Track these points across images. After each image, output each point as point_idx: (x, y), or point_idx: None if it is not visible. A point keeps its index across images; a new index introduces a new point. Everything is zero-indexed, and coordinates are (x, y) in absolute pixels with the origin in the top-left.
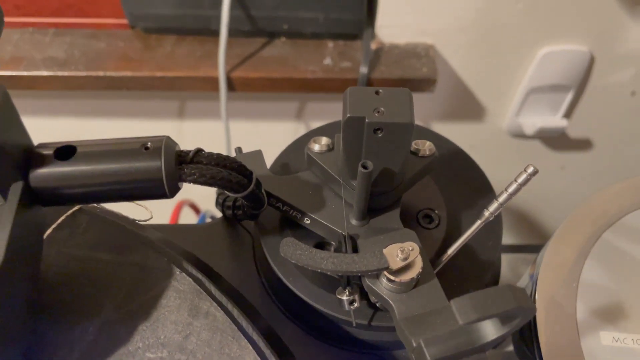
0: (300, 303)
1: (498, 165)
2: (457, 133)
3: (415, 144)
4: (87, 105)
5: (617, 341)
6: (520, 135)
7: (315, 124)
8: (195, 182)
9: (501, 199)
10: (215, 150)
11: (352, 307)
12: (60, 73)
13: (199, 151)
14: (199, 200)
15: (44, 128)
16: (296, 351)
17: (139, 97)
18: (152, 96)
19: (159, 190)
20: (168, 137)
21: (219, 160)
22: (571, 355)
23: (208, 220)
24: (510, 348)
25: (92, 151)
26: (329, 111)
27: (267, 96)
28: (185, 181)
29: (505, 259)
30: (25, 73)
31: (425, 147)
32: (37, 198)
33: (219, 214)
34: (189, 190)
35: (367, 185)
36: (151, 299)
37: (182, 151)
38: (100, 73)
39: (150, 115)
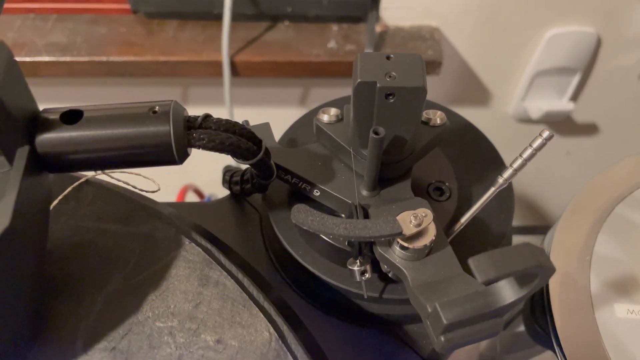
0: (309, 277)
1: (504, 151)
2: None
3: (427, 114)
4: (90, 93)
5: (631, 313)
6: (526, 119)
7: None
8: (204, 147)
9: (516, 164)
10: None
11: (363, 277)
12: (62, 58)
13: (207, 116)
14: (203, 185)
15: None
16: (306, 325)
17: (142, 84)
18: (155, 82)
19: (167, 155)
20: (176, 102)
21: (228, 126)
22: (586, 329)
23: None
24: (521, 328)
25: (99, 115)
26: (333, 96)
27: (271, 82)
28: (194, 146)
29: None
30: (27, 59)
31: (437, 116)
32: (43, 163)
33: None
34: (193, 175)
35: (378, 152)
36: (160, 269)
37: (190, 116)
38: (103, 58)
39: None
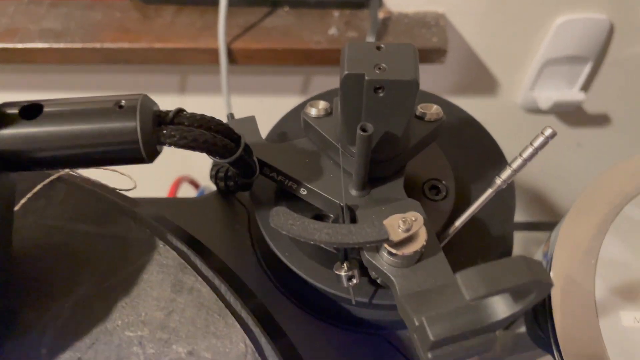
0: (296, 279)
1: (511, 142)
2: (469, 107)
3: (421, 108)
4: (85, 80)
5: (638, 322)
6: (535, 110)
7: None
8: (175, 145)
9: (515, 164)
10: None
11: (350, 283)
12: (55, 45)
13: (180, 111)
14: (199, 176)
15: None
16: (293, 330)
17: (138, 71)
18: (152, 70)
19: (135, 153)
20: (145, 95)
21: (203, 122)
22: (588, 337)
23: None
24: (523, 329)
25: (60, 110)
26: (335, 85)
27: (271, 70)
28: (164, 144)
29: (518, 238)
30: (19, 45)
31: (432, 111)
32: (3, 162)
33: None
34: (189, 166)
35: (366, 150)
36: (132, 273)
37: (161, 111)
38: (97, 45)
39: (150, 90)
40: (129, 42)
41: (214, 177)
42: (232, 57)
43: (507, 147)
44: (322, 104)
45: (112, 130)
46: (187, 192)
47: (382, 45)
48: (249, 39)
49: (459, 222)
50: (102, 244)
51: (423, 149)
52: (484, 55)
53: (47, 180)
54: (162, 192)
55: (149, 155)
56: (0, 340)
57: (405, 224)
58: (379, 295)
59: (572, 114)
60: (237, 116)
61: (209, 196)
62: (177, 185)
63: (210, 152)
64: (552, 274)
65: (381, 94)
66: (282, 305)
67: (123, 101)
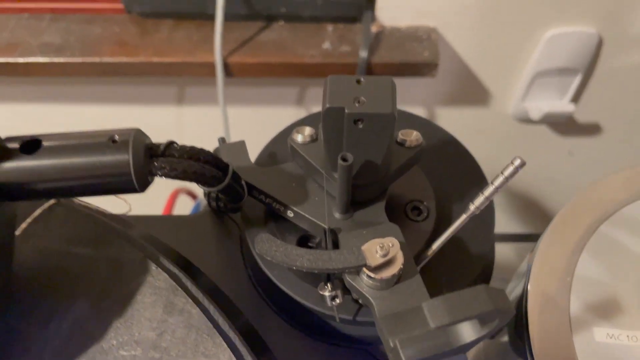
0: (285, 297)
1: (503, 151)
2: (461, 118)
3: (402, 134)
4: (85, 92)
5: (611, 337)
6: (526, 120)
7: (317, 109)
8: (166, 176)
9: (487, 192)
10: (214, 137)
11: (334, 302)
12: (56, 59)
13: (170, 144)
14: (196, 187)
15: (40, 115)
16: (282, 345)
17: (136, 83)
18: (149, 82)
19: (128, 184)
20: (138, 130)
21: (192, 153)
22: (563, 352)
23: (203, 207)
24: (506, 338)
25: (58, 145)
26: None
27: (267, 81)
28: (155, 175)
29: (508, 247)
30: (20, 59)
31: (412, 137)
32: (4, 193)
33: None
34: None
35: (348, 178)
36: (126, 295)
37: (153, 144)
38: (96, 59)
39: (148, 101)
40: (127, 57)
41: (207, 196)
42: (228, 71)
43: (500, 155)
44: (307, 130)
45: (106, 163)
46: (184, 203)
47: (361, 79)
48: (244, 52)
49: (436, 245)
50: (98, 266)
51: (404, 174)
52: (476, 68)
53: (46, 205)
54: (160, 203)
55: (141, 186)
56: (1, 359)
57: (383, 249)
58: (362, 312)
59: (563, 124)
60: (232, 128)
61: (202, 214)
62: (174, 196)
63: (198, 182)
64: (530, 288)
65: (360, 126)
66: (272, 321)
67: (117, 136)
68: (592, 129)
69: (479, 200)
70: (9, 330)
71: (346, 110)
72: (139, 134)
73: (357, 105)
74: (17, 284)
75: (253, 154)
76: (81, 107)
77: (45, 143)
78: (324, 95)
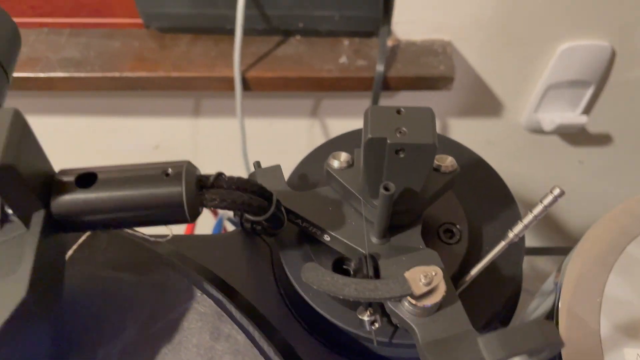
0: (320, 319)
1: (516, 161)
2: (475, 129)
3: (437, 160)
4: (103, 104)
5: None
6: (538, 131)
7: (331, 121)
8: (217, 207)
9: (526, 220)
10: (232, 151)
11: (373, 327)
12: (76, 74)
13: (219, 175)
14: None
15: (59, 126)
16: None
17: (155, 96)
18: (168, 94)
19: (180, 216)
20: (189, 163)
21: (240, 184)
22: None
23: (226, 222)
24: None
25: (113, 177)
26: (345, 108)
27: (283, 94)
28: (206, 207)
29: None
30: (41, 74)
31: (447, 162)
32: (59, 225)
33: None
34: None
35: (388, 206)
36: (173, 320)
37: (202, 176)
38: (116, 74)
39: (166, 113)
40: (146, 71)
41: (240, 216)
42: (246, 85)
43: (512, 164)
44: (343, 156)
45: (160, 196)
46: (205, 219)
47: (402, 109)
48: (262, 67)
49: (474, 271)
50: (144, 291)
51: (439, 198)
52: (490, 80)
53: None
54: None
55: (192, 216)
56: None
57: (427, 277)
58: (398, 334)
59: (575, 134)
60: (252, 141)
61: (232, 234)
62: None
63: (246, 212)
64: (560, 310)
65: (402, 155)
66: (305, 342)
67: (170, 169)
68: (603, 139)
69: (518, 228)
70: (60, 357)
71: (388, 141)
72: (190, 167)
73: (398, 135)
74: (65, 310)
75: (269, 164)
76: (100, 119)
77: (100, 176)
78: (365, 126)
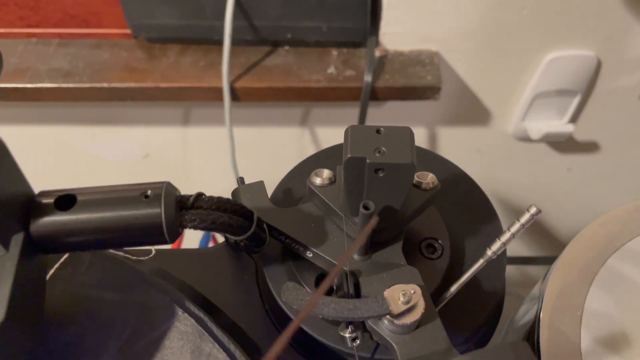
0: (304, 334)
1: (504, 169)
2: (463, 137)
3: (418, 177)
4: (92, 113)
5: None
6: (526, 139)
7: (321, 130)
8: (196, 228)
9: (504, 238)
10: (221, 160)
11: (354, 343)
12: (64, 85)
13: (199, 196)
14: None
15: (48, 136)
16: None
17: (144, 105)
18: (157, 104)
19: (159, 237)
20: (168, 184)
21: (220, 204)
22: None
23: (212, 233)
24: None
25: (92, 199)
26: (333, 117)
27: (272, 103)
28: (186, 227)
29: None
30: (29, 85)
31: (428, 179)
32: (39, 247)
33: None
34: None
35: (368, 224)
36: (154, 339)
37: (182, 196)
38: (105, 84)
39: (155, 122)
40: (135, 82)
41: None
42: (235, 95)
43: (500, 172)
44: (326, 173)
45: (139, 218)
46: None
47: (381, 129)
48: (251, 77)
49: (453, 288)
50: (125, 310)
51: (420, 215)
52: (477, 90)
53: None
54: None
55: (171, 237)
56: None
57: (405, 296)
58: (380, 350)
59: (562, 142)
60: (241, 149)
61: (217, 248)
62: None
63: (226, 232)
64: (541, 322)
65: (381, 175)
66: (289, 357)
67: (149, 191)
68: (590, 147)
69: (496, 245)
70: None
71: (367, 160)
72: (169, 188)
73: (377, 155)
74: (46, 329)
75: (258, 173)
76: (90, 128)
77: (80, 198)
78: (344, 145)
